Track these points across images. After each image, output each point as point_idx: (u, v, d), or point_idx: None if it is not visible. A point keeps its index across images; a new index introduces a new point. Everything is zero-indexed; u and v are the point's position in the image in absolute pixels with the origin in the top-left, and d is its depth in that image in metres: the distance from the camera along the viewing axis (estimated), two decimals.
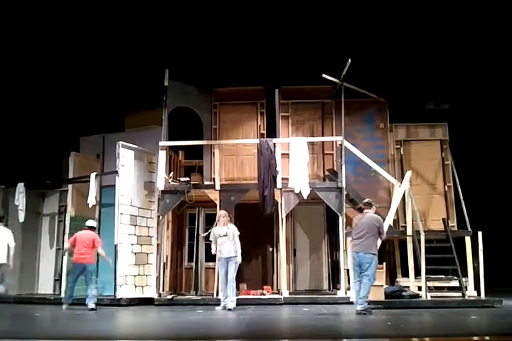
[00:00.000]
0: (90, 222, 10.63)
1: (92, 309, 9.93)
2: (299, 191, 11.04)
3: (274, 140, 11.56)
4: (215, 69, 13.84)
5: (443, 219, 11.90)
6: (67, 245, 10.63)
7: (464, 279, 10.76)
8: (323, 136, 12.63)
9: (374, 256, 8.74)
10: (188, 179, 11.59)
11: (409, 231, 11.14)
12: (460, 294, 10.51)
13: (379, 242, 9.02)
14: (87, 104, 14.57)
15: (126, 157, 11.20)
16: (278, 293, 11.43)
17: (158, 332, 7.51)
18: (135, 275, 11.15)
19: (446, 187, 12.38)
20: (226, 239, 9.76)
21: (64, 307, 10.19)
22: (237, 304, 9.63)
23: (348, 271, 10.88)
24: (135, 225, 11.31)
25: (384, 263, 10.76)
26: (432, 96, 14.85)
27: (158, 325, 8.20)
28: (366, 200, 9.26)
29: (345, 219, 11.15)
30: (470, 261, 10.92)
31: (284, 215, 11.31)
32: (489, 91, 14.02)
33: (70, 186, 12.15)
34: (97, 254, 10.36)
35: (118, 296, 10.60)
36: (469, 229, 11.30)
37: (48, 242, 13.11)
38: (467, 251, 10.98)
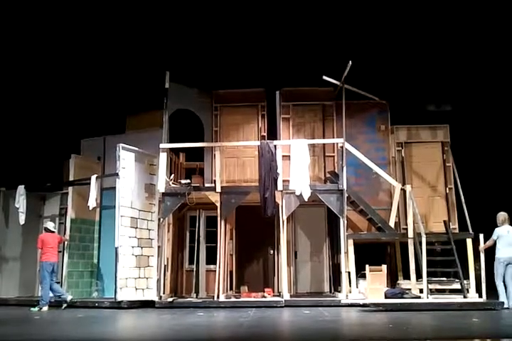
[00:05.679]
0: (52, 226, 11.19)
1: (40, 309, 10.46)
2: (300, 193, 11.02)
3: (275, 142, 11.54)
4: (215, 72, 13.84)
5: (444, 222, 11.87)
6: (40, 250, 10.99)
7: (465, 282, 10.73)
8: (324, 138, 12.63)
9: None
10: (188, 181, 11.57)
11: (410, 234, 11.13)
12: (461, 297, 10.48)
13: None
14: (87, 106, 14.58)
15: (126, 159, 11.19)
16: (279, 296, 11.38)
17: (158, 335, 7.49)
18: (136, 278, 11.11)
19: (447, 189, 12.36)
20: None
21: (45, 308, 10.55)
22: (238, 306, 9.53)
23: (349, 273, 10.87)
24: (136, 227, 11.28)
25: (385, 266, 10.75)
26: (433, 98, 14.83)
27: (159, 328, 8.16)
28: None
29: (346, 222, 11.12)
30: (471, 263, 10.88)
31: (284, 217, 11.29)
32: (490, 93, 14.00)
33: (70, 188, 12.18)
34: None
35: (118, 299, 10.58)
36: (471, 231, 11.25)
37: None
38: (469, 254, 10.94)
